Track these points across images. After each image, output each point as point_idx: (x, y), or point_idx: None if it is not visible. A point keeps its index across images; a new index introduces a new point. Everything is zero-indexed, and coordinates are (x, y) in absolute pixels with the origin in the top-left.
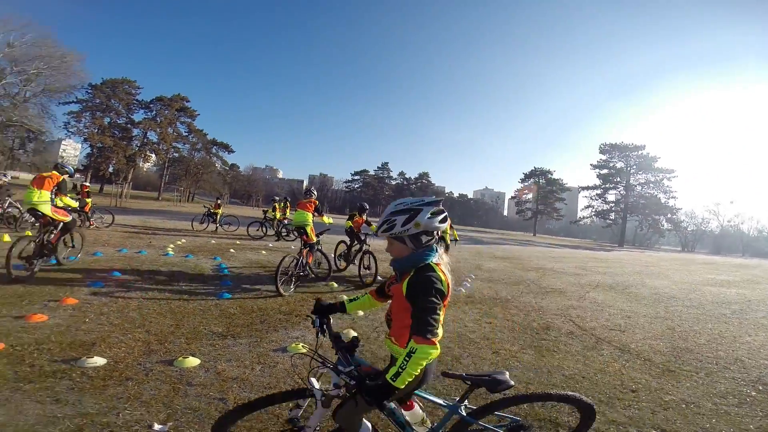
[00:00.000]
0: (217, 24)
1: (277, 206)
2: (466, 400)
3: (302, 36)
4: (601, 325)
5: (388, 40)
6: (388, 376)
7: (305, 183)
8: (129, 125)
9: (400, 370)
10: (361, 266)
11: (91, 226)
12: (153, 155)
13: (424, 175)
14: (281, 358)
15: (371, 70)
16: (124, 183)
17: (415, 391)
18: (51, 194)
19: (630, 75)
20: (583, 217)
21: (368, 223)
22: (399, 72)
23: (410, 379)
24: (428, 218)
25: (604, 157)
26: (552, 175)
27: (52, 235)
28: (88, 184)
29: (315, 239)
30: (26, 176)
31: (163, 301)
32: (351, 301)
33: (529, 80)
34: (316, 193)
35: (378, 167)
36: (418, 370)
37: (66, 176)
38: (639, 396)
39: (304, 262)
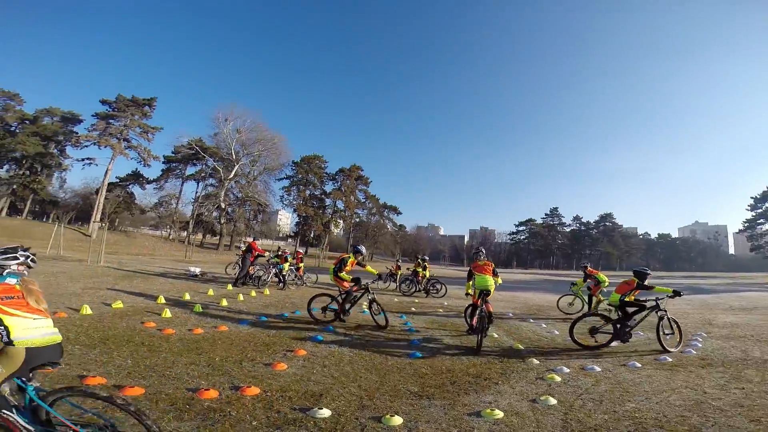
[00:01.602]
0: (376, 95)
1: (427, 265)
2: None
3: (453, 97)
4: None
5: (544, 73)
6: None
7: (466, 238)
8: (322, 196)
9: None
10: (660, 334)
11: (304, 285)
12: (341, 221)
13: (606, 217)
14: (477, 423)
15: (527, 112)
16: (322, 246)
17: None
18: (335, 267)
19: None
20: None
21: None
22: (561, 106)
23: None
24: None
25: None
26: None
27: (341, 297)
28: (301, 251)
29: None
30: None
31: (367, 357)
32: None
33: (730, 75)
34: (484, 251)
35: (546, 214)
36: None
37: (358, 256)
38: None
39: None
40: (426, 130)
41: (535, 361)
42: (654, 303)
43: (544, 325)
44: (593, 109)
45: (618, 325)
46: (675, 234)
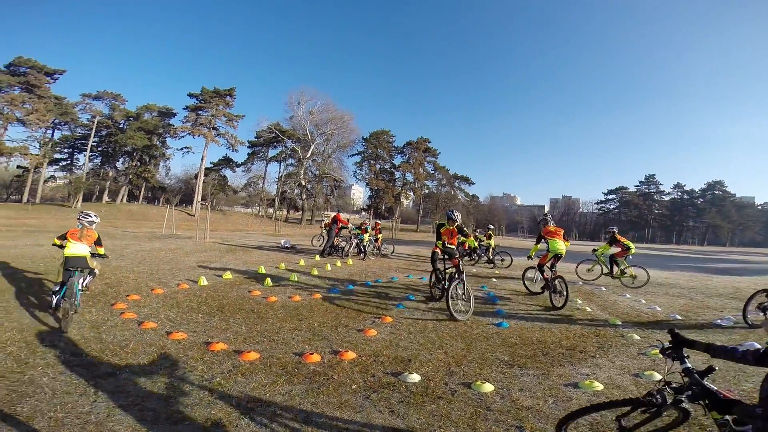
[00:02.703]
0: (446, 64)
1: (492, 234)
2: None
3: (533, 53)
4: None
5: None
6: None
7: (546, 208)
8: (392, 169)
9: None
10: None
11: (380, 255)
12: (411, 193)
13: (715, 185)
14: (575, 393)
15: (623, 68)
16: (394, 218)
17: None
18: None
19: None
20: None
21: None
22: (668, 62)
23: None
24: None
25: None
26: None
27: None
28: (379, 221)
29: None
30: (344, 215)
31: (451, 325)
32: None
33: None
34: (551, 216)
35: (641, 181)
36: None
37: (451, 223)
38: None
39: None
40: (500, 93)
41: (636, 336)
42: None
43: (643, 301)
44: (710, 67)
45: None
46: None
